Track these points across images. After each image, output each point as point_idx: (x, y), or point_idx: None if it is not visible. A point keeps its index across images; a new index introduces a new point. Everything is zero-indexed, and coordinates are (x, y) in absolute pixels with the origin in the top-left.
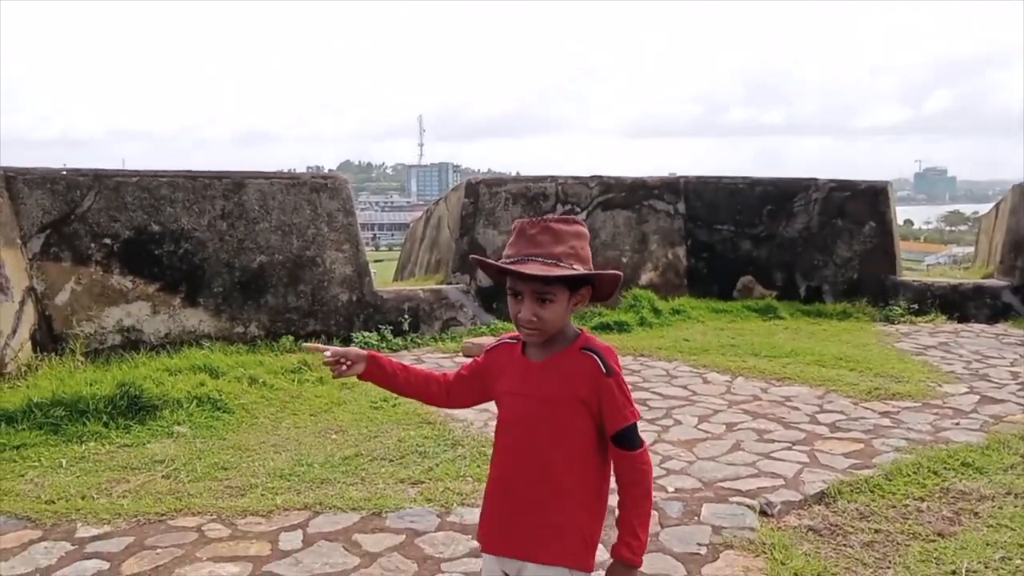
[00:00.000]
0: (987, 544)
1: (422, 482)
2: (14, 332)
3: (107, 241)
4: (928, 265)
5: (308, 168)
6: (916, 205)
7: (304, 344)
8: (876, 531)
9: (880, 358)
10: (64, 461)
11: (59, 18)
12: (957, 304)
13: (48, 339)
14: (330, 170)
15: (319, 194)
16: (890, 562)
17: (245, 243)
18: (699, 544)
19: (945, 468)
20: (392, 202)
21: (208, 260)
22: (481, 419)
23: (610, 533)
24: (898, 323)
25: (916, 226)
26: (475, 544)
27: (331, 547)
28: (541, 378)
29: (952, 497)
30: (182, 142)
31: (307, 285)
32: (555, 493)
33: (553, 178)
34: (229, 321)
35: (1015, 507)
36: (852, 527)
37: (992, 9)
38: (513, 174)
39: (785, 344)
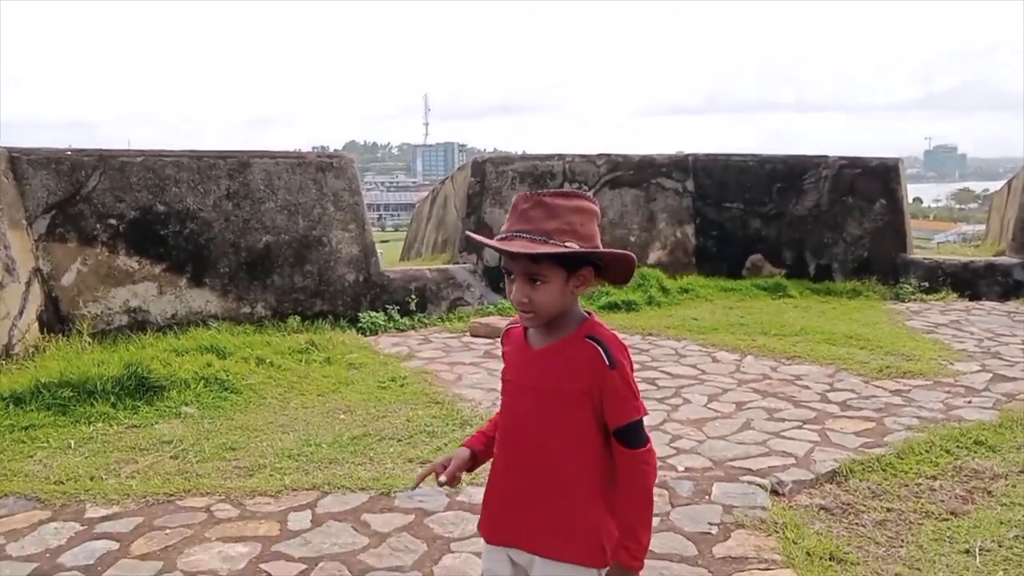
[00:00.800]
0: (1000, 523)
1: (431, 462)
2: (21, 313)
3: (112, 222)
4: (939, 243)
5: (313, 149)
6: (925, 183)
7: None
8: (888, 510)
9: (891, 336)
10: (72, 442)
11: (69, 4)
12: (968, 282)
13: (55, 320)
14: (335, 150)
15: (325, 173)
16: (903, 541)
17: (251, 223)
18: (710, 523)
19: (957, 447)
20: (398, 182)
21: (214, 240)
22: (489, 399)
23: None
24: (908, 301)
25: (925, 204)
26: None
27: (340, 527)
28: (541, 367)
29: (965, 476)
30: (187, 127)
31: (313, 265)
32: (560, 487)
33: (560, 156)
34: (236, 301)
35: None
36: (864, 506)
37: None
38: (520, 153)
39: (795, 323)
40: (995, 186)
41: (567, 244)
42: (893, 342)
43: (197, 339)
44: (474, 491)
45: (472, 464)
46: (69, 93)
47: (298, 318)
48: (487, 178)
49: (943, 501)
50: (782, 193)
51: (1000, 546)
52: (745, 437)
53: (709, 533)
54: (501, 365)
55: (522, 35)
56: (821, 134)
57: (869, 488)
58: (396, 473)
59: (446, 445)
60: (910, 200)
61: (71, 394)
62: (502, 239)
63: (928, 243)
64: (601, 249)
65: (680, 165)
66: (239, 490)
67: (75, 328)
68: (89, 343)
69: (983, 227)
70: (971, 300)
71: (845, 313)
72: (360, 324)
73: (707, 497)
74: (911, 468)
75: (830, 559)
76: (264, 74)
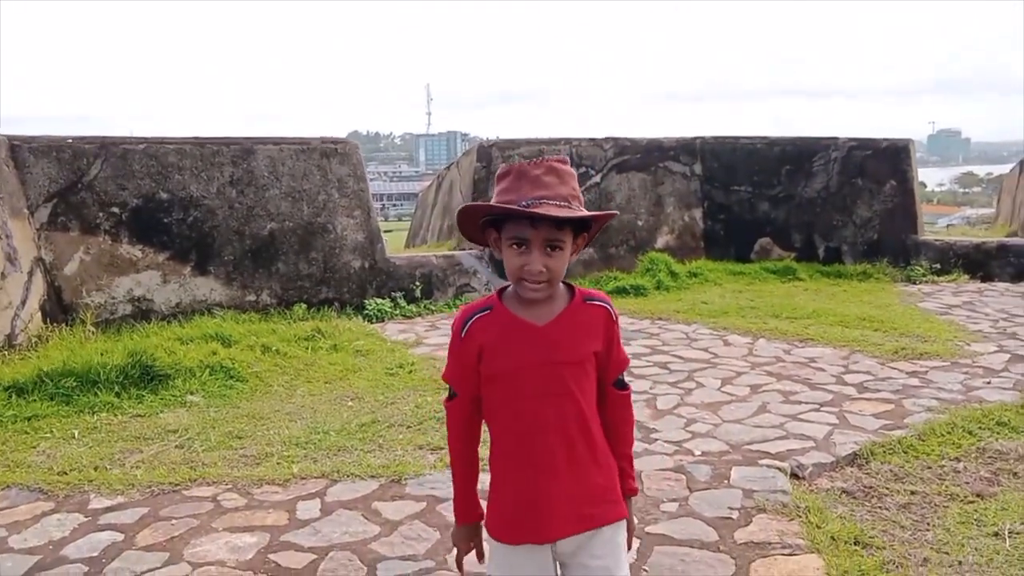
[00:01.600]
0: None
1: (441, 448)
2: (23, 303)
3: (115, 210)
4: (948, 226)
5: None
6: (929, 167)
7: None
8: (912, 492)
9: (904, 318)
10: (76, 432)
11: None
12: (980, 263)
13: (58, 310)
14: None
15: (329, 159)
16: (929, 524)
17: (255, 210)
18: (730, 508)
19: (980, 428)
20: (400, 172)
21: (218, 228)
22: None
23: None
24: (920, 283)
25: (929, 188)
26: None
27: (350, 515)
28: (555, 341)
29: (989, 457)
30: (187, 123)
31: (319, 252)
32: (591, 450)
33: (567, 140)
34: (240, 289)
35: None
36: (887, 489)
37: None
38: (526, 138)
39: (806, 305)
40: (999, 170)
41: (581, 210)
42: (907, 324)
43: (202, 327)
44: (486, 477)
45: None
46: (69, 91)
47: (304, 305)
48: (493, 163)
49: (968, 483)
50: (791, 175)
51: None
52: (762, 420)
53: (730, 518)
54: None
55: (524, 22)
56: (823, 118)
57: (891, 471)
58: (406, 460)
59: None
60: None
61: (74, 384)
62: (528, 205)
63: (933, 227)
64: (602, 212)
65: (688, 148)
66: (246, 479)
67: (78, 318)
68: (92, 332)
69: (987, 211)
70: (983, 281)
71: (856, 295)
72: (366, 311)
73: (726, 481)
74: (933, 450)
75: (855, 543)
76: (265, 69)
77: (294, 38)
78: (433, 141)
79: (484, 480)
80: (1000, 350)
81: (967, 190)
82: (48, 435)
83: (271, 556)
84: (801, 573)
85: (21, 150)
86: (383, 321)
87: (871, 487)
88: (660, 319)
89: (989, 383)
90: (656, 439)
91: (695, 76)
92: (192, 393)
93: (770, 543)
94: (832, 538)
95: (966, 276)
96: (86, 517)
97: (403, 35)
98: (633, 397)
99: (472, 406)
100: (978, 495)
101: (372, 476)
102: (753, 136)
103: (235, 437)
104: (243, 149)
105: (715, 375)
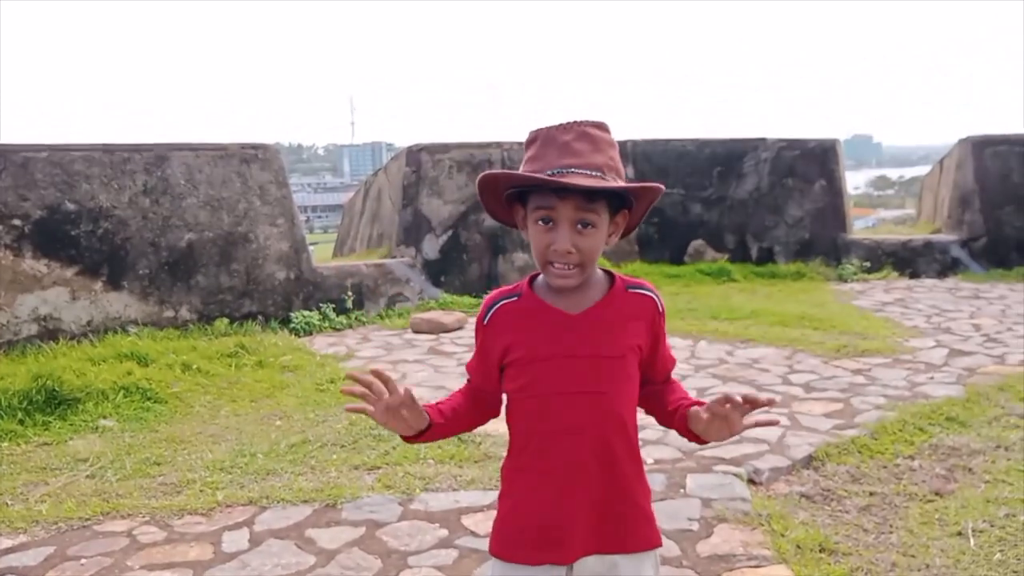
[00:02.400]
0: (988, 501)
1: (379, 468)
2: None
3: (16, 222)
4: (872, 227)
5: None
6: (845, 171)
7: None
8: (871, 494)
9: (842, 316)
10: None
11: None
12: (908, 260)
13: None
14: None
15: (249, 165)
16: (891, 526)
17: (171, 220)
18: (689, 519)
19: (930, 424)
20: (325, 183)
21: (131, 240)
22: (436, 396)
23: None
24: (851, 281)
25: None
26: (444, 533)
27: (282, 546)
28: (590, 333)
29: (943, 453)
30: (99, 136)
31: (240, 263)
32: (629, 468)
33: (499, 144)
34: (157, 305)
35: (1008, 460)
36: (846, 491)
37: None
38: (456, 142)
39: (743, 306)
40: (911, 172)
41: (619, 183)
42: (845, 321)
43: (115, 346)
44: (429, 498)
45: (417, 425)
46: None
47: (226, 320)
48: (423, 167)
49: (925, 481)
50: (722, 177)
51: (992, 526)
52: None
53: (690, 530)
54: (447, 361)
55: (449, 30)
56: (738, 120)
57: (848, 472)
58: (341, 482)
59: (394, 448)
60: None
61: None
62: (553, 174)
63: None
64: (647, 183)
65: (619, 150)
66: (165, 510)
67: None
68: None
69: (901, 212)
70: (911, 278)
71: (791, 295)
72: (293, 324)
73: (682, 490)
74: (887, 449)
75: (821, 551)
76: (178, 79)
77: (209, 47)
78: (358, 151)
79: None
80: (938, 345)
81: (880, 192)
82: None
83: None
84: None
85: None
86: (311, 334)
87: (829, 490)
88: None
89: (932, 378)
90: None
91: (628, 67)
92: (105, 417)
93: (735, 555)
94: (797, 547)
95: (895, 273)
96: None
97: (325, 44)
98: None
99: (485, 396)
100: (936, 493)
101: (304, 501)
102: (684, 138)
103: (153, 464)
104: (156, 156)
105: None
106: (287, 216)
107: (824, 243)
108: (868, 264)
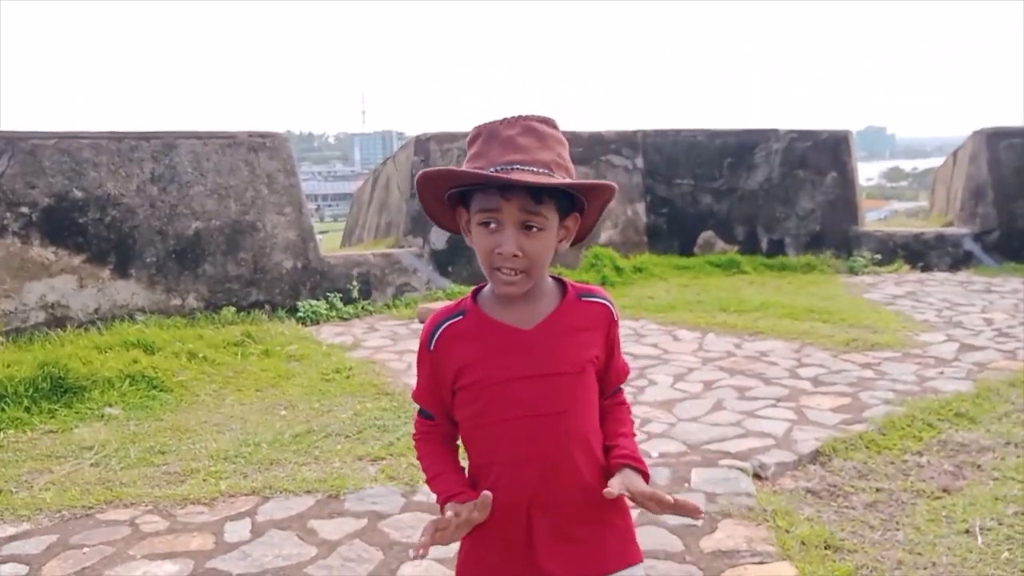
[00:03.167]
0: (996, 499)
1: (383, 459)
2: None
3: (24, 210)
4: (885, 219)
5: None
6: (858, 162)
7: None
8: (878, 490)
9: (852, 309)
10: None
11: None
12: (920, 253)
13: None
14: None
15: (257, 154)
16: (898, 523)
17: (179, 208)
18: None
19: (939, 419)
20: (335, 172)
21: (139, 228)
22: None
23: None
24: (862, 274)
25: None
26: None
27: (283, 536)
28: (546, 348)
29: (951, 450)
30: (109, 124)
31: (248, 252)
32: (598, 477)
33: None
34: (164, 293)
35: (1017, 457)
36: (852, 487)
37: None
38: (464, 131)
39: (753, 298)
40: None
41: (566, 180)
42: (855, 315)
43: (122, 334)
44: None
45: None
46: None
47: (232, 309)
48: (431, 156)
49: (933, 478)
50: (733, 168)
51: (1000, 524)
52: (718, 418)
53: (694, 525)
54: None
55: (462, 19)
56: (748, 114)
57: (855, 468)
58: (345, 473)
59: (399, 439)
60: None
61: None
62: (496, 171)
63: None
64: (610, 183)
65: (629, 141)
66: (168, 499)
67: None
68: (2, 343)
69: (914, 204)
70: (923, 271)
71: (801, 287)
72: (300, 313)
73: (687, 485)
74: (895, 444)
75: (826, 548)
76: (190, 70)
77: (221, 37)
78: (368, 140)
79: None
80: (949, 339)
81: (894, 184)
82: None
83: None
84: None
85: None
86: (318, 324)
87: (836, 486)
88: None
89: (942, 373)
90: None
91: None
92: (110, 405)
93: (739, 551)
94: (802, 543)
95: (907, 266)
96: None
97: (337, 33)
98: None
99: (454, 428)
100: (944, 490)
101: (307, 492)
102: (694, 128)
103: (157, 452)
104: (164, 144)
105: (667, 371)
106: (295, 205)
107: (835, 235)
108: (879, 257)
